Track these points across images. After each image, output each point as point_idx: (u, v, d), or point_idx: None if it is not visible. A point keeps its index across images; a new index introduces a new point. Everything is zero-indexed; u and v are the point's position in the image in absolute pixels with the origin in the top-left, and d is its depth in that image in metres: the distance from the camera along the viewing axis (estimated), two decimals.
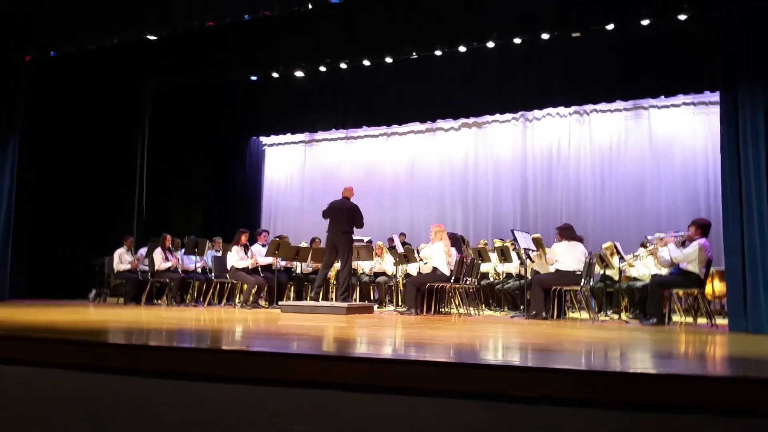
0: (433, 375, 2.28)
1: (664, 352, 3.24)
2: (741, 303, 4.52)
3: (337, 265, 7.37)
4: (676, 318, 6.20)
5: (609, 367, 2.61)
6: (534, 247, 6.88)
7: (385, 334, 4.11)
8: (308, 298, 8.34)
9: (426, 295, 7.07)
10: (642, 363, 2.80)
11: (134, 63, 9.64)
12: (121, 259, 8.27)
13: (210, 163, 11.44)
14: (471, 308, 7.71)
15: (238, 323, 4.74)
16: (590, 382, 2.17)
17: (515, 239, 6.82)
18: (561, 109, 10.08)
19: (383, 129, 11.44)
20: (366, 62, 9.74)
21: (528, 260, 6.92)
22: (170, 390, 2.48)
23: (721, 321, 6.06)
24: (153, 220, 10.02)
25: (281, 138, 12.17)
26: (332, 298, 8.18)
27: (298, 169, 12.24)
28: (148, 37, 7.98)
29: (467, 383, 2.22)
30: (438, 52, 9.30)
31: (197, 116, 11.08)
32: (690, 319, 6.31)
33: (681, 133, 9.38)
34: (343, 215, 7.06)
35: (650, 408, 2.04)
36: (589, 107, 9.93)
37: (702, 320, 6.14)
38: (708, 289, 6.08)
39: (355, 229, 7.20)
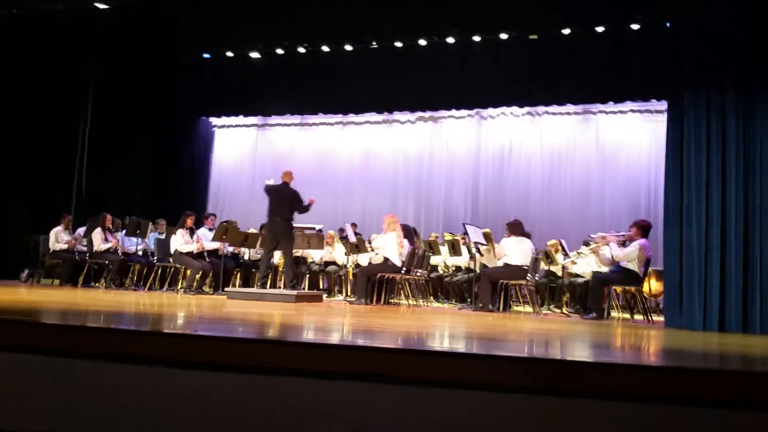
0: (381, 361, 2.27)
1: (604, 344, 3.36)
2: (677, 301, 4.75)
3: (280, 253, 7.25)
4: (614, 314, 6.46)
5: (550, 355, 2.67)
6: (484, 242, 6.99)
7: (335, 321, 4.08)
8: (255, 286, 8.18)
9: (376, 285, 7.07)
10: (581, 352, 2.89)
11: (78, 36, 9.13)
12: (58, 238, 7.87)
13: (154, 142, 10.91)
14: (420, 300, 7.77)
15: (182, 308, 4.59)
16: (532, 369, 2.21)
17: (466, 233, 6.92)
18: (515, 109, 10.28)
19: (339, 117, 11.33)
20: (325, 48, 9.61)
21: (477, 254, 7.03)
22: (112, 373, 2.36)
23: (657, 318, 6.35)
24: (92, 200, 9.54)
25: (232, 120, 11.85)
26: (280, 286, 8.06)
27: (249, 153, 11.97)
28: (97, 5, 7.60)
29: (415, 370, 2.22)
30: (398, 44, 9.30)
31: (144, 93, 10.58)
32: (627, 315, 6.58)
33: (627, 140, 9.75)
34: (283, 201, 6.87)
35: (588, 395, 2.09)
36: (541, 109, 10.16)
37: (638, 316, 6.41)
38: (645, 287, 6.36)
39: (297, 215, 7.04)
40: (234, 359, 2.32)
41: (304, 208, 6.98)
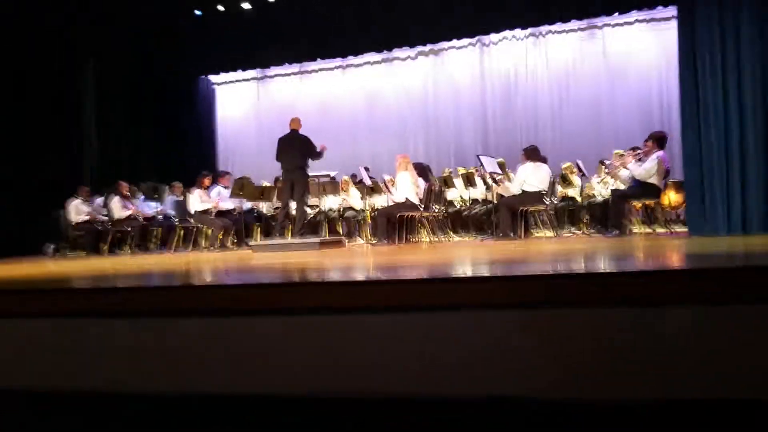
0: (417, 292, 2.33)
1: (632, 255, 3.41)
2: (700, 210, 4.75)
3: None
4: (635, 229, 6.49)
5: (580, 270, 2.71)
6: (500, 171, 6.98)
7: (359, 262, 4.17)
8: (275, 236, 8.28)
9: (396, 225, 7.14)
10: (610, 265, 2.93)
11: (73, 9, 8.90)
12: (78, 210, 8.00)
13: (158, 106, 10.84)
14: (441, 235, 7.86)
15: (215, 264, 4.70)
16: (562, 285, 2.25)
17: (481, 164, 6.90)
18: (517, 32, 10.00)
19: (338, 61, 11.10)
20: None
21: (494, 184, 7.04)
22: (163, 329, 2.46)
23: (678, 229, 6.37)
24: (104, 169, 9.60)
25: (231, 76, 11.66)
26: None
27: (252, 108, 11.85)
28: None
29: (451, 297, 2.28)
30: None
31: (141, 57, 10.45)
32: (649, 230, 6.61)
33: (634, 51, 9.50)
34: (294, 149, 6.70)
35: (622, 304, 2.12)
36: (544, 29, 9.87)
37: (660, 229, 6.44)
38: (665, 199, 6.34)
39: (312, 162, 6.86)
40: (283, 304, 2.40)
41: (318, 154, 6.83)
